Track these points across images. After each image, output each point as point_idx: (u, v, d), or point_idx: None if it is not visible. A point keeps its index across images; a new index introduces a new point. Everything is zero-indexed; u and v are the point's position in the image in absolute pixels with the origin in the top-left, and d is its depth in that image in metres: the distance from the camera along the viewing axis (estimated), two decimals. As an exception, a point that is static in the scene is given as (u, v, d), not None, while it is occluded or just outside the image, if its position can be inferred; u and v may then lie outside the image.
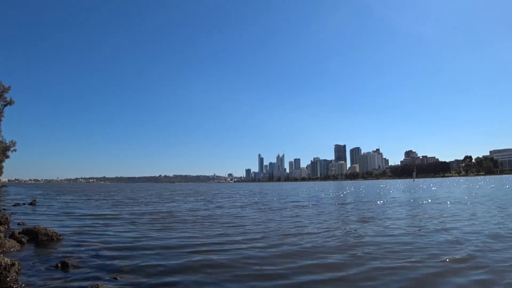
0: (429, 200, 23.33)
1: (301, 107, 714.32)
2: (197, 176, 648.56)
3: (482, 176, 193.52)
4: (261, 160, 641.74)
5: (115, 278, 5.81)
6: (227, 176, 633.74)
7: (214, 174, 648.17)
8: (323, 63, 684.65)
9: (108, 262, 6.95)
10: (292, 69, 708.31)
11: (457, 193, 32.72)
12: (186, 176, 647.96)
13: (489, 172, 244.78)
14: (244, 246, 8.66)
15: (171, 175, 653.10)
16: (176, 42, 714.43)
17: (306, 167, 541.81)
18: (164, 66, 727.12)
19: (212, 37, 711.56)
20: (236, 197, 35.48)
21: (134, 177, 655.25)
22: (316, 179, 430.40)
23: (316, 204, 22.44)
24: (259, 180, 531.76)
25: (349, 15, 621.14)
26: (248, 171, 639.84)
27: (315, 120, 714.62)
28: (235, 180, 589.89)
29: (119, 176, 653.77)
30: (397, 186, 63.14)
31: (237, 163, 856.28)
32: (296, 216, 15.70)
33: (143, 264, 6.80)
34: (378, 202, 22.71)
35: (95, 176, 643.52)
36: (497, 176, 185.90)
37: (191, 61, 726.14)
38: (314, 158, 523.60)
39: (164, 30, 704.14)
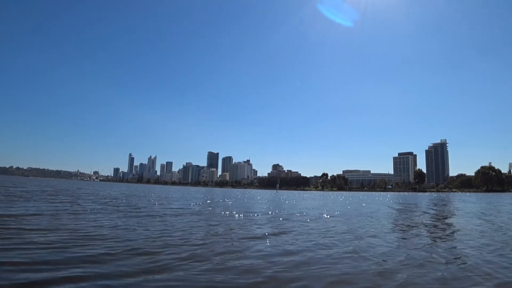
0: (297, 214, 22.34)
1: (178, 110, 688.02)
2: (57, 171, 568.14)
3: (335, 192, 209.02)
4: (131, 159, 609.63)
5: None
6: (92, 173, 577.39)
7: (78, 171, 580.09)
8: (203, 71, 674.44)
9: None
10: (171, 71, 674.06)
11: (317, 207, 32.39)
12: (44, 170, 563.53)
13: (340, 188, 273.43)
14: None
15: (25, 168, 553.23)
16: (48, 25, 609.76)
17: (178, 171, 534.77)
18: (29, 47, 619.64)
19: (90, 27, 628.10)
20: (102, 198, 31.76)
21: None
22: (186, 184, 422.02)
23: (189, 212, 20.33)
24: (127, 181, 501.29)
25: (236, 36, 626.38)
26: (116, 170, 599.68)
27: (191, 126, 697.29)
28: (101, 178, 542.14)
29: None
30: (265, 196, 66.45)
31: (104, 160, 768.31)
32: (165, 227, 12.97)
33: None
34: (254, 214, 20.83)
35: None
36: (347, 192, 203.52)
37: (62, 49, 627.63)
38: (186, 163, 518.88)
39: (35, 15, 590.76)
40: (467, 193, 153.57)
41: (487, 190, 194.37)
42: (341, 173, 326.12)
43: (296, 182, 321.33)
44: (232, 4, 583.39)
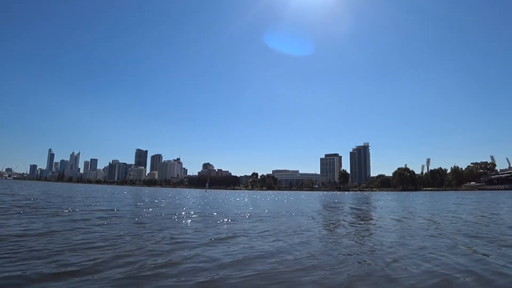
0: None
1: (104, 104, 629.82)
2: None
3: (264, 191, 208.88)
4: (51, 156, 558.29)
5: None
6: (4, 170, 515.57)
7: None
8: (131, 65, 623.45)
9: None
10: (97, 63, 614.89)
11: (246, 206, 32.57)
12: None
13: (270, 187, 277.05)
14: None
15: None
16: None
17: (103, 169, 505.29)
18: None
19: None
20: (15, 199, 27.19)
21: None
22: (112, 182, 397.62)
23: (116, 215, 17.76)
24: (46, 179, 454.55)
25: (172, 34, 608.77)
26: (33, 167, 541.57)
27: (118, 121, 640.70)
28: (15, 176, 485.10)
29: None
30: (194, 195, 65.25)
31: (19, 156, 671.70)
32: (88, 234, 11.03)
33: None
34: (187, 215, 19.61)
35: None
36: (275, 191, 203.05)
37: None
38: (113, 160, 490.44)
39: None
40: (385, 192, 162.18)
41: (403, 189, 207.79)
42: (271, 172, 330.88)
43: (226, 181, 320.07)
44: (175, 4, 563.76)
